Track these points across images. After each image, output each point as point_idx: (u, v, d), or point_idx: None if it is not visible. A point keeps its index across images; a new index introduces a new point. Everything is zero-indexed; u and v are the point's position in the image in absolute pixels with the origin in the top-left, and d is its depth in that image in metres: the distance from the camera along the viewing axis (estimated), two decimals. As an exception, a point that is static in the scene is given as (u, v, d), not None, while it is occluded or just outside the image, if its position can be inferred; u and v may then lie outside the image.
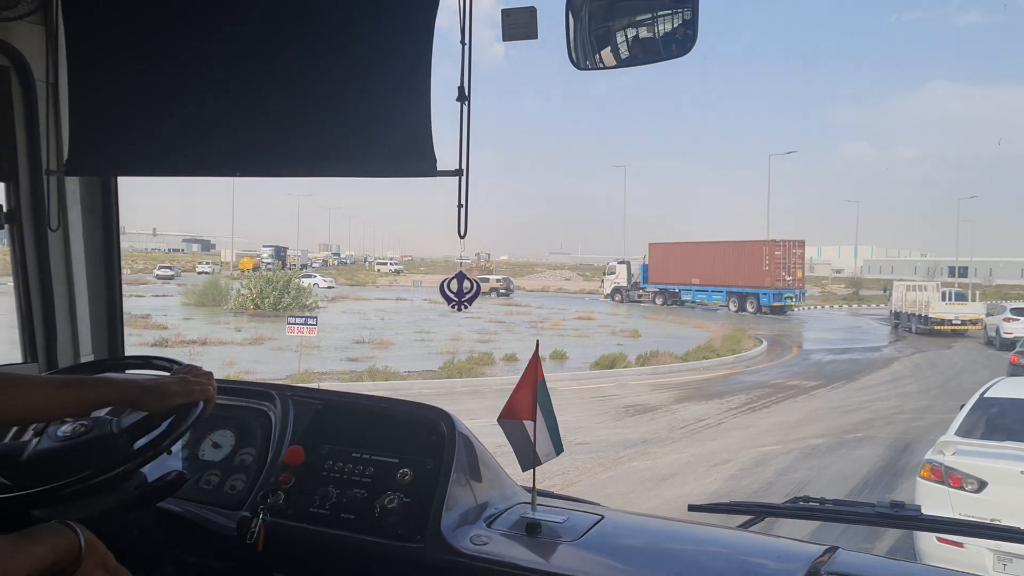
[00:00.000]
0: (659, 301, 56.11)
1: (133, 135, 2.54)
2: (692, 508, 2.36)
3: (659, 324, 39.91)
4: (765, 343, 30.17)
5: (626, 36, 2.27)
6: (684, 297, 55.27)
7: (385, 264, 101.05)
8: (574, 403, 16.98)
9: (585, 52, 2.29)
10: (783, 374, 23.36)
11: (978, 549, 5.93)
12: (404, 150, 2.23)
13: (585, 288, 71.81)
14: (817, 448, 13.20)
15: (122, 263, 3.16)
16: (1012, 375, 15.28)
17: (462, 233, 2.16)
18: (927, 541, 6.37)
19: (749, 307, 50.28)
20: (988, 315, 35.82)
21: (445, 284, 2.33)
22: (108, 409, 2.00)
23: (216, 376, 2.02)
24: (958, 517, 5.73)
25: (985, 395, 7.91)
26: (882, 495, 7.04)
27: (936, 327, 36.61)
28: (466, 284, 2.33)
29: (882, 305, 46.92)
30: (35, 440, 1.90)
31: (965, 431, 7.37)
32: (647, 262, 58.58)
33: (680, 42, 2.20)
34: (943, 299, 38.01)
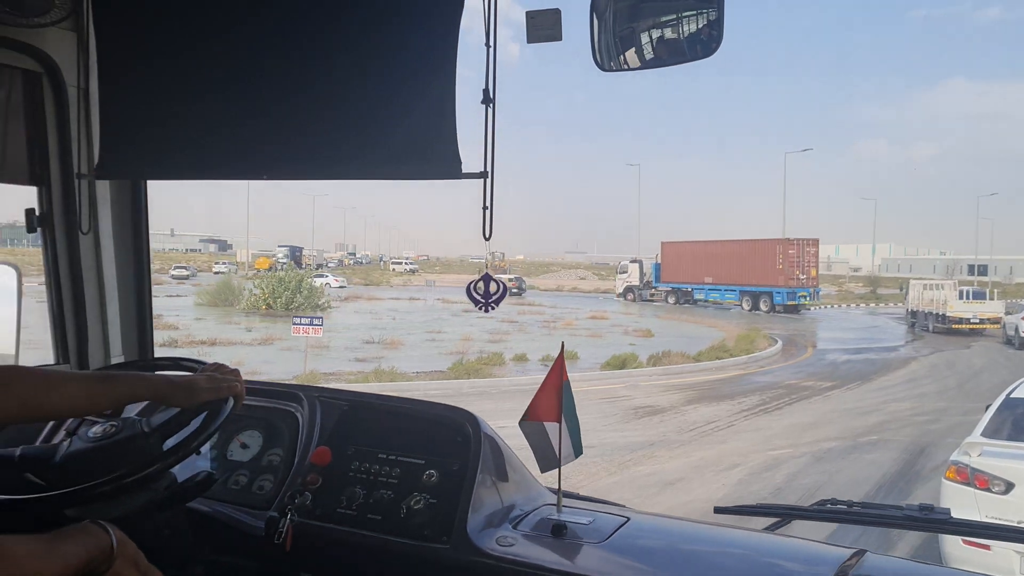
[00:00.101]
0: (672, 300, 55.82)
1: (162, 139, 2.59)
2: (718, 510, 2.35)
3: (672, 323, 39.52)
4: (780, 343, 29.76)
5: (651, 37, 2.26)
6: (697, 296, 54.90)
7: (400, 264, 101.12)
8: (582, 405, 16.01)
9: (609, 53, 2.28)
10: (797, 375, 22.95)
11: (1006, 552, 5.82)
12: (430, 153, 2.25)
13: (600, 287, 71.56)
14: (830, 452, 12.87)
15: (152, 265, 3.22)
16: (1033, 375, 14.86)
17: (487, 235, 2.18)
18: (952, 543, 6.25)
19: (763, 306, 49.88)
20: (1007, 314, 35.10)
21: (471, 286, 2.35)
22: (138, 410, 2.05)
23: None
24: (987, 520, 5.49)
25: (1011, 395, 7.71)
26: (896, 501, 6.69)
27: (954, 326, 36.03)
28: (492, 285, 2.35)
29: (899, 304, 46.35)
30: (67, 442, 1.94)
31: (991, 432, 7.22)
32: (659, 261, 58.28)
33: (705, 43, 2.19)
34: (960, 297, 37.37)
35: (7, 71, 2.74)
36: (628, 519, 2.16)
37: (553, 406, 2.13)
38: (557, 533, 2.06)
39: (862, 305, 63.29)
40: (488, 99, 2.12)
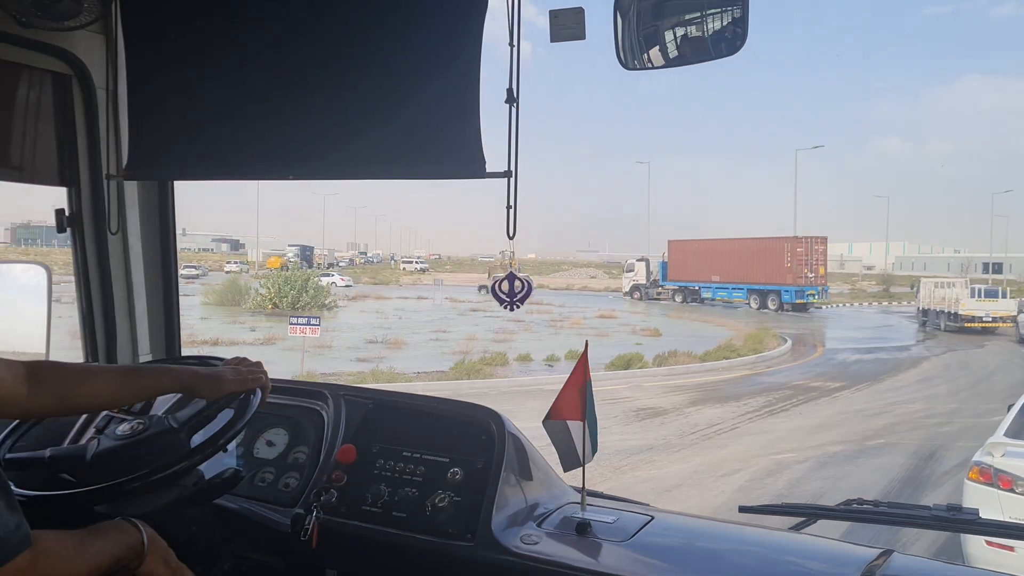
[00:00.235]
0: (679, 299, 55.46)
1: (190, 140, 2.62)
2: (743, 509, 2.34)
3: (681, 322, 39.13)
4: (789, 342, 29.32)
5: (675, 35, 2.25)
6: (704, 295, 54.51)
7: (410, 263, 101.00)
8: None
9: (633, 52, 2.27)
10: (806, 375, 22.56)
11: None
12: (454, 152, 2.27)
13: (610, 286, 71.16)
14: (835, 456, 12.48)
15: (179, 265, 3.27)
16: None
17: (511, 234, 2.19)
18: (975, 544, 6.17)
19: (770, 304, 49.42)
20: (1021, 312, 34.53)
21: (496, 285, 2.44)
22: (165, 408, 2.13)
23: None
24: (1014, 520, 5.40)
25: None
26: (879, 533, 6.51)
27: (966, 324, 35.48)
28: (517, 284, 2.42)
29: (912, 302, 45.83)
30: (95, 441, 1.97)
31: (1015, 432, 7.13)
32: (666, 259, 57.87)
33: (729, 41, 2.18)
34: (972, 296, 36.87)
35: (37, 74, 2.79)
36: (652, 518, 2.15)
37: (577, 405, 2.13)
38: (581, 531, 2.06)
39: (874, 304, 62.60)
40: (512, 98, 2.14)
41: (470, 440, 2.27)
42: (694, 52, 2.23)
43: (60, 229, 2.92)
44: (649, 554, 1.99)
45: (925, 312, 39.99)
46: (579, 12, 2.20)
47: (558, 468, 2.34)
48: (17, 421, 2.18)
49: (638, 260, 60.30)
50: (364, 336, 27.98)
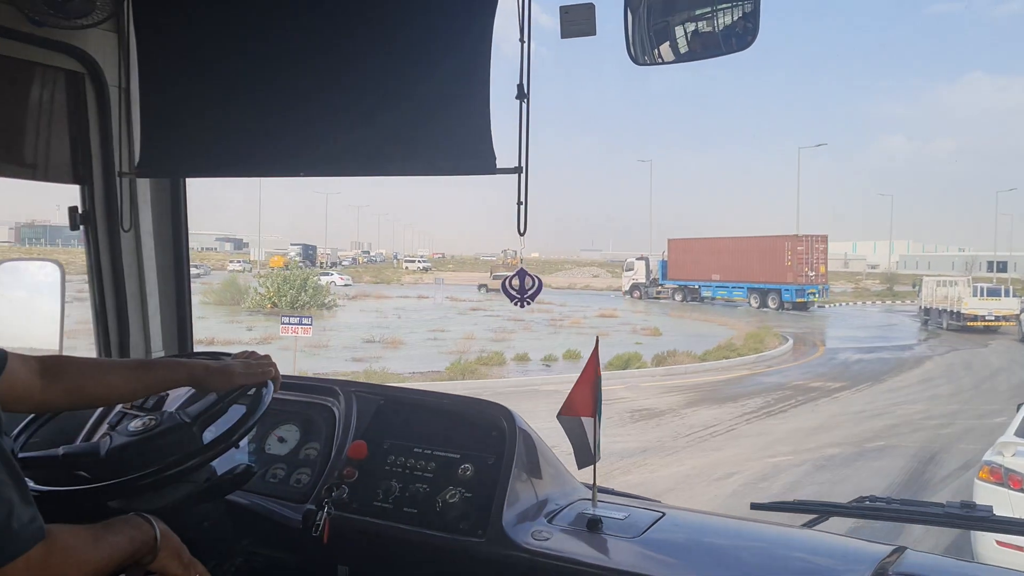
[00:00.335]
0: (678, 297, 55.28)
1: (202, 137, 2.65)
2: (755, 506, 2.33)
3: (681, 322, 38.96)
4: (790, 341, 29.05)
5: (685, 30, 2.25)
6: (704, 293, 54.33)
7: (413, 262, 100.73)
8: None
9: (643, 47, 2.27)
10: (806, 375, 22.34)
11: None
12: (464, 148, 2.28)
13: (612, 285, 70.88)
14: (833, 459, 12.23)
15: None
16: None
17: (522, 230, 2.20)
18: (985, 544, 6.18)
19: (771, 303, 49.26)
20: (1023, 311, 34.35)
21: (507, 281, 2.37)
22: (177, 405, 2.12)
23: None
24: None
25: None
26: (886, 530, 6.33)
27: (968, 323, 35.30)
28: (528, 281, 2.36)
29: (914, 301, 45.52)
30: (108, 437, 1.97)
31: None
32: (666, 258, 57.73)
33: (740, 36, 2.17)
34: (975, 294, 36.74)
35: (51, 72, 2.80)
36: (663, 514, 2.15)
37: (588, 401, 2.13)
38: (592, 528, 2.06)
39: (877, 303, 62.22)
40: (522, 94, 2.15)
41: (481, 436, 2.27)
42: (704, 47, 2.23)
43: (73, 226, 2.93)
44: (660, 551, 1.98)
45: (927, 311, 39.76)
46: (589, 7, 2.20)
47: (569, 464, 2.36)
48: (32, 416, 2.20)
49: (637, 259, 60.17)
50: (361, 335, 27.71)
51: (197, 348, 3.41)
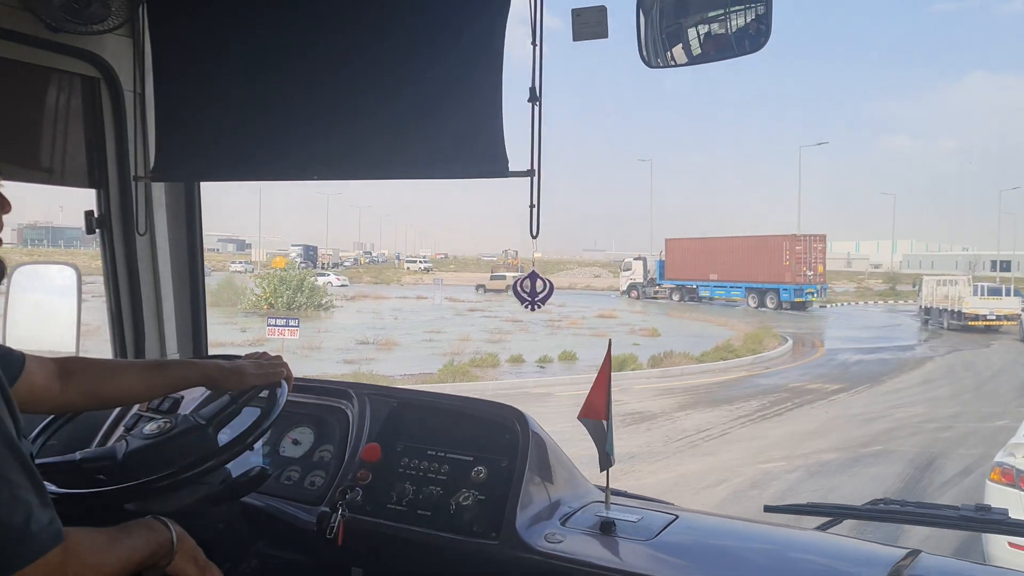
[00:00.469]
0: (676, 297, 55.18)
1: (216, 142, 2.67)
2: (768, 509, 2.33)
3: (681, 322, 38.70)
4: (790, 342, 28.69)
5: (698, 33, 2.25)
6: (702, 293, 54.17)
7: (414, 262, 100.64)
8: (568, 411, 15.05)
9: (656, 50, 2.27)
10: (804, 376, 21.63)
11: None
12: (477, 152, 2.29)
13: (613, 285, 70.60)
14: (827, 465, 11.81)
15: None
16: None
17: (535, 233, 2.21)
18: (997, 545, 6.13)
19: (769, 303, 49.08)
20: (1025, 310, 34.07)
21: (518, 284, 2.38)
22: (191, 408, 2.18)
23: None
24: None
25: None
26: (894, 529, 6.05)
27: (969, 323, 35.13)
28: (539, 283, 2.37)
29: (915, 301, 45.21)
30: (124, 441, 1.99)
31: None
32: (663, 258, 57.59)
33: (753, 38, 2.18)
34: (975, 293, 36.52)
35: (67, 77, 2.82)
36: (676, 517, 2.15)
37: (603, 404, 2.14)
38: (605, 530, 2.06)
39: (880, 302, 61.82)
40: (535, 97, 2.16)
41: (494, 439, 2.28)
42: (717, 49, 2.22)
43: (89, 230, 2.94)
44: (673, 553, 1.98)
45: (927, 311, 39.58)
46: (601, 10, 2.20)
47: (581, 467, 2.39)
48: (50, 419, 2.22)
49: (635, 259, 60.08)
50: (355, 337, 27.33)
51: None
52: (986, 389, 19.59)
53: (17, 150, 2.84)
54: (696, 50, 2.25)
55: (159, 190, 3.03)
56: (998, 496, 6.49)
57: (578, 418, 2.16)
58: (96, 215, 2.95)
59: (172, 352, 3.14)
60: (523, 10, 2.24)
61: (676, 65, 2.28)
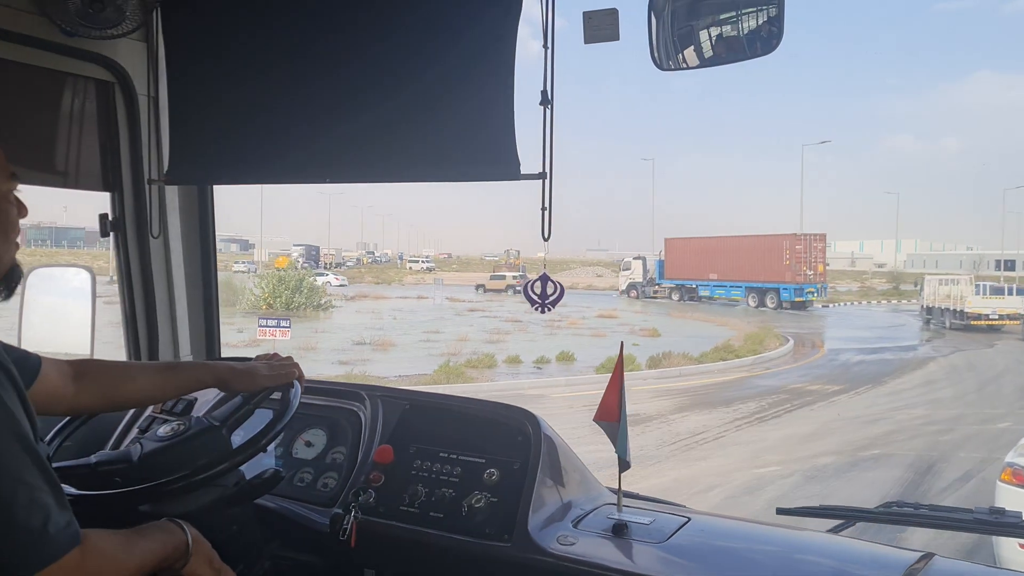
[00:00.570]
0: (675, 297, 55.04)
1: (229, 145, 2.69)
2: (780, 511, 2.31)
3: (682, 322, 38.44)
4: (791, 342, 28.39)
5: (709, 35, 2.24)
6: (702, 293, 54.00)
7: (417, 262, 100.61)
8: (560, 414, 14.19)
9: (668, 52, 2.27)
10: (804, 377, 21.28)
11: None
12: (489, 154, 2.31)
13: (615, 284, 70.24)
14: (824, 469, 11.50)
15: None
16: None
17: (546, 235, 2.23)
18: (1008, 547, 6.07)
19: (769, 303, 48.91)
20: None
21: (529, 286, 2.40)
22: (205, 411, 2.24)
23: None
24: None
25: None
26: (889, 540, 5.67)
27: (972, 322, 34.90)
28: (550, 286, 2.38)
29: (917, 300, 44.93)
30: (139, 444, 1.99)
31: None
32: (663, 257, 57.40)
33: (765, 40, 2.17)
34: (978, 293, 36.29)
35: (81, 81, 2.84)
36: (689, 519, 2.15)
37: (616, 405, 2.14)
38: (618, 533, 2.06)
39: (883, 302, 61.42)
40: (546, 100, 2.17)
41: (506, 441, 2.29)
42: (729, 52, 2.21)
43: (103, 233, 2.95)
44: (686, 556, 1.99)
45: (929, 310, 39.36)
46: (612, 13, 2.20)
47: (594, 469, 2.40)
48: (65, 421, 2.22)
49: (634, 258, 59.87)
50: (352, 337, 27.09)
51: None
52: (989, 390, 19.34)
53: (33, 154, 2.86)
54: (708, 52, 2.24)
55: (173, 193, 3.06)
56: (1009, 497, 6.40)
57: (594, 420, 2.17)
58: (110, 218, 2.97)
59: (185, 354, 3.16)
60: (527, 11, 2.26)
61: (688, 68, 2.28)
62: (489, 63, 2.29)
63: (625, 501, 2.23)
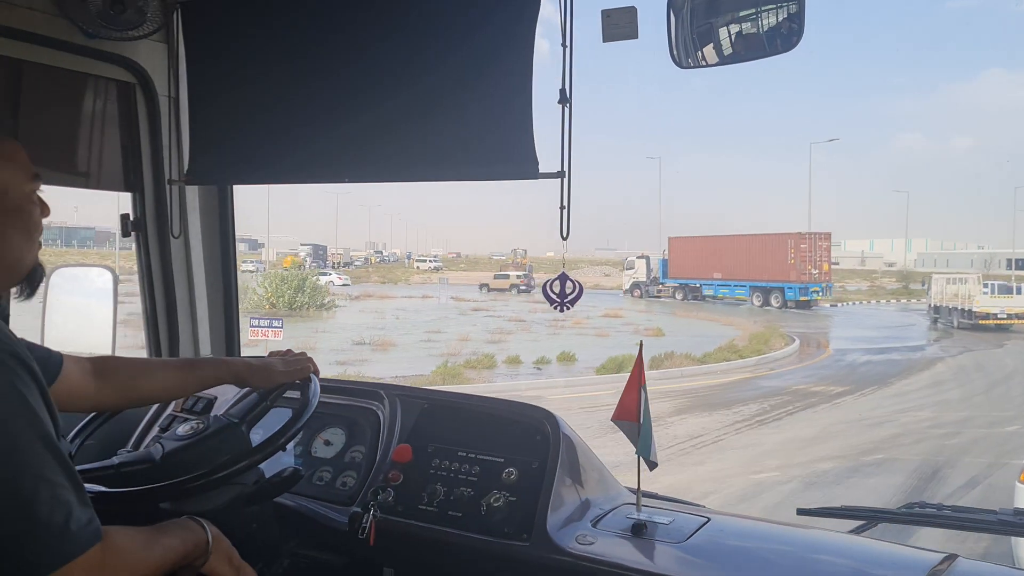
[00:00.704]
0: (679, 296, 54.67)
1: (249, 146, 2.72)
2: (801, 512, 2.30)
3: (686, 321, 38.12)
4: (797, 342, 28.01)
5: (729, 32, 2.24)
6: (705, 292, 53.63)
7: (424, 262, 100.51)
8: (559, 414, 14.62)
9: (687, 50, 2.26)
10: (808, 378, 20.91)
11: None
12: (508, 154, 2.32)
13: (622, 284, 69.92)
14: (824, 475, 11.08)
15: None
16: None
17: (565, 234, 2.25)
18: None
19: (773, 302, 48.55)
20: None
21: (547, 285, 2.42)
22: (224, 409, 2.18)
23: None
24: None
25: None
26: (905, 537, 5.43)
27: (980, 322, 34.46)
28: (569, 285, 2.40)
29: (925, 299, 44.49)
30: (160, 444, 2.01)
31: None
32: (666, 256, 57.03)
33: (785, 37, 2.16)
34: (986, 291, 36.00)
35: (103, 82, 2.87)
36: (708, 519, 2.14)
37: (635, 405, 2.14)
38: (637, 532, 2.06)
39: (892, 301, 60.82)
40: (564, 99, 2.18)
41: (524, 440, 2.29)
42: (749, 49, 2.21)
43: (125, 233, 2.98)
44: (706, 556, 1.98)
45: (937, 309, 38.95)
46: (631, 11, 2.19)
47: (612, 469, 2.39)
48: (87, 419, 2.25)
49: (638, 257, 59.56)
50: (352, 337, 26.83)
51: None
52: (997, 392, 18.97)
53: (55, 155, 2.88)
54: (727, 50, 2.23)
55: (193, 193, 3.08)
56: None
57: (611, 420, 2.17)
58: (132, 218, 2.99)
59: (205, 353, 3.18)
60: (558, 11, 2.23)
61: (707, 65, 2.26)
62: (507, 62, 2.30)
63: (644, 501, 2.22)
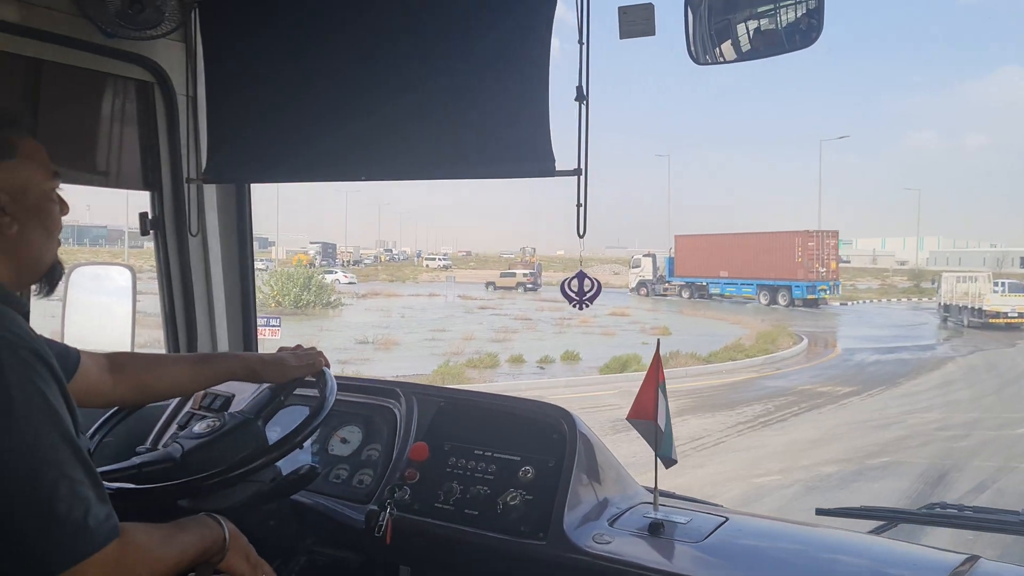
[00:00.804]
0: (685, 295, 54.47)
1: (266, 144, 2.73)
2: (820, 512, 2.29)
3: (693, 320, 37.85)
4: (805, 341, 27.69)
5: (747, 29, 2.23)
6: (712, 290, 53.49)
7: (434, 259, 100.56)
8: None
9: (704, 46, 2.26)
10: (815, 378, 20.33)
11: None
12: (524, 151, 2.31)
13: (630, 282, 69.68)
14: (827, 479, 10.68)
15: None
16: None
17: (581, 232, 2.26)
18: None
19: (781, 300, 48.22)
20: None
21: (566, 283, 2.40)
22: (240, 408, 2.21)
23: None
24: None
25: None
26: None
27: (991, 320, 34.08)
28: (587, 283, 2.38)
29: (935, 298, 44.10)
30: (179, 444, 2.02)
31: None
32: (673, 255, 56.88)
33: (804, 33, 2.15)
34: (996, 290, 35.51)
35: (121, 81, 2.90)
36: (727, 519, 2.13)
37: (652, 404, 2.14)
38: (654, 532, 2.05)
39: (903, 299, 60.28)
40: (581, 96, 2.17)
41: (541, 439, 2.28)
42: (767, 45, 2.20)
43: (143, 232, 3.00)
44: (724, 556, 1.97)
45: (947, 308, 38.61)
46: (649, 8, 2.20)
47: (630, 468, 2.39)
48: (105, 417, 2.26)
49: (644, 255, 59.42)
50: (356, 336, 26.63)
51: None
52: (1008, 392, 18.59)
53: (74, 153, 2.90)
54: (745, 46, 2.22)
55: (211, 192, 3.09)
56: None
57: (627, 419, 2.16)
58: (150, 217, 3.02)
59: (223, 350, 3.17)
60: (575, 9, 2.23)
61: (725, 62, 2.25)
62: (523, 59, 2.30)
63: (661, 500, 2.21)
